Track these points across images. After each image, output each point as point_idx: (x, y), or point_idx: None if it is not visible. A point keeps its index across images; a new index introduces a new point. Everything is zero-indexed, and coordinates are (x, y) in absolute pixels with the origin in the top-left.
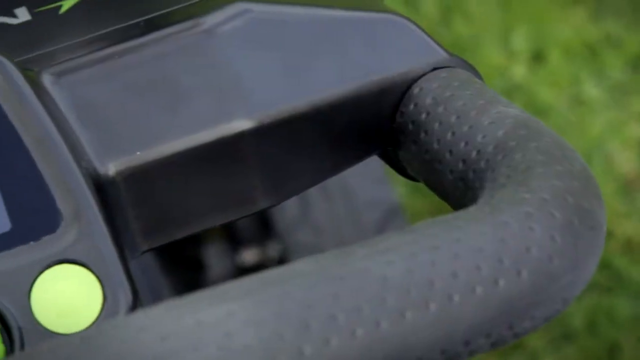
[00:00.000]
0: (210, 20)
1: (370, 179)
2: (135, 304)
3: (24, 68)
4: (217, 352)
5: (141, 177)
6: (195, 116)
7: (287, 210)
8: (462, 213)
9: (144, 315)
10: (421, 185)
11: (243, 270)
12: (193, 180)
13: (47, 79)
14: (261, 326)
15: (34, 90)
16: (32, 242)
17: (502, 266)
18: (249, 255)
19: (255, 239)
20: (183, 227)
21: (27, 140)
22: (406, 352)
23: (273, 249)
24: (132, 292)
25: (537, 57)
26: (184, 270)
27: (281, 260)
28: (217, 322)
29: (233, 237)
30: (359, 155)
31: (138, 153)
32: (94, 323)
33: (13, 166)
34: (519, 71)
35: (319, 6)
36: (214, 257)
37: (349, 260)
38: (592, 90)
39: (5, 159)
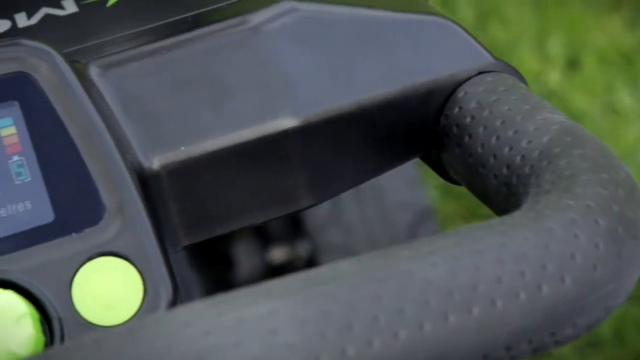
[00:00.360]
0: (258, 17)
1: (402, 180)
2: (176, 298)
3: (71, 59)
4: (259, 349)
5: (185, 172)
6: (240, 113)
7: (318, 210)
8: (506, 218)
9: (187, 310)
10: (453, 188)
11: (272, 268)
12: (236, 176)
13: (94, 71)
14: (304, 325)
15: (81, 82)
16: (74, 234)
17: (546, 272)
18: (278, 254)
19: (285, 238)
20: (224, 224)
21: (73, 132)
22: (448, 355)
23: (302, 248)
24: (173, 287)
25: (572, 64)
26: (213, 266)
27: (310, 260)
28: (260, 320)
29: (263, 235)
30: (402, 157)
31: (182, 148)
32: (134, 316)
33: (58, 157)
34: (554, 77)
35: (365, 6)
36: (244, 254)
37: (392, 262)
38: (626, 98)
39: (50, 150)
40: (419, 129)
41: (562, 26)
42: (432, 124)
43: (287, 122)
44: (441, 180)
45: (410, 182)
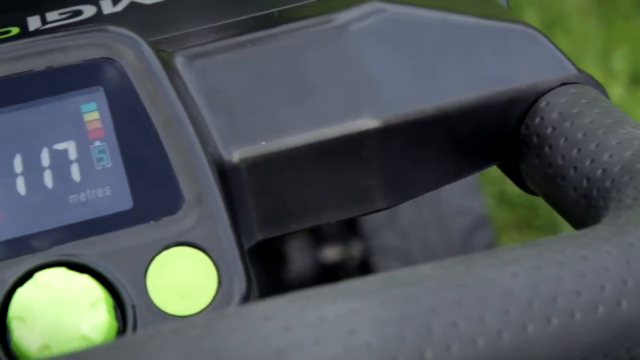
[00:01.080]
0: (344, 16)
1: (460, 187)
2: (249, 292)
3: (157, 49)
4: (338, 347)
5: (264, 166)
6: (322, 111)
7: None
8: (588, 231)
9: (268, 305)
10: (508, 197)
11: (324, 268)
12: (314, 174)
13: (179, 61)
14: (384, 326)
15: (166, 71)
16: (152, 222)
17: (626, 287)
18: (331, 253)
19: (339, 237)
20: (299, 220)
21: (156, 120)
22: None
23: (356, 249)
24: (247, 280)
25: (636, 79)
26: (265, 262)
27: (363, 261)
28: (340, 319)
29: (317, 233)
30: (480, 164)
31: (263, 143)
32: (207, 307)
33: (140, 145)
34: (617, 92)
35: (452, 11)
36: (297, 251)
37: (474, 268)
38: None
39: (132, 137)
40: (498, 136)
41: (627, 40)
42: (511, 133)
43: (368, 123)
44: (497, 189)
45: (467, 189)
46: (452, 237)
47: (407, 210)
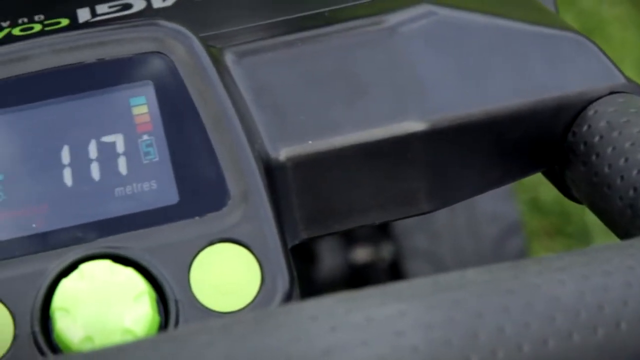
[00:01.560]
0: (395, 18)
1: (494, 192)
2: (292, 291)
3: (208, 44)
4: (385, 349)
5: (310, 165)
6: (370, 112)
7: None
8: (635, 241)
9: (315, 305)
10: (540, 204)
11: (354, 268)
12: (361, 175)
13: (229, 58)
14: (430, 329)
15: (216, 67)
16: (197, 218)
17: None
18: (361, 254)
19: (370, 239)
20: (343, 221)
21: (204, 116)
22: None
23: (387, 251)
24: (290, 279)
25: None
26: (295, 261)
27: (393, 263)
28: (388, 320)
29: (348, 234)
30: (525, 170)
31: (310, 142)
32: (249, 305)
33: (188, 140)
34: None
35: (502, 16)
36: (327, 250)
37: (521, 274)
38: None
39: (180, 132)
40: (545, 143)
41: None
42: (558, 140)
43: (415, 126)
44: (529, 195)
45: (501, 195)
46: (484, 243)
47: (439, 213)
